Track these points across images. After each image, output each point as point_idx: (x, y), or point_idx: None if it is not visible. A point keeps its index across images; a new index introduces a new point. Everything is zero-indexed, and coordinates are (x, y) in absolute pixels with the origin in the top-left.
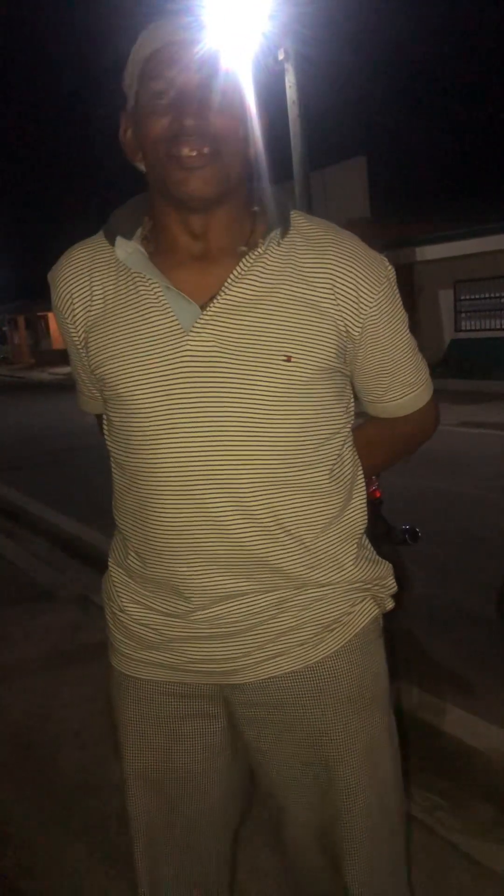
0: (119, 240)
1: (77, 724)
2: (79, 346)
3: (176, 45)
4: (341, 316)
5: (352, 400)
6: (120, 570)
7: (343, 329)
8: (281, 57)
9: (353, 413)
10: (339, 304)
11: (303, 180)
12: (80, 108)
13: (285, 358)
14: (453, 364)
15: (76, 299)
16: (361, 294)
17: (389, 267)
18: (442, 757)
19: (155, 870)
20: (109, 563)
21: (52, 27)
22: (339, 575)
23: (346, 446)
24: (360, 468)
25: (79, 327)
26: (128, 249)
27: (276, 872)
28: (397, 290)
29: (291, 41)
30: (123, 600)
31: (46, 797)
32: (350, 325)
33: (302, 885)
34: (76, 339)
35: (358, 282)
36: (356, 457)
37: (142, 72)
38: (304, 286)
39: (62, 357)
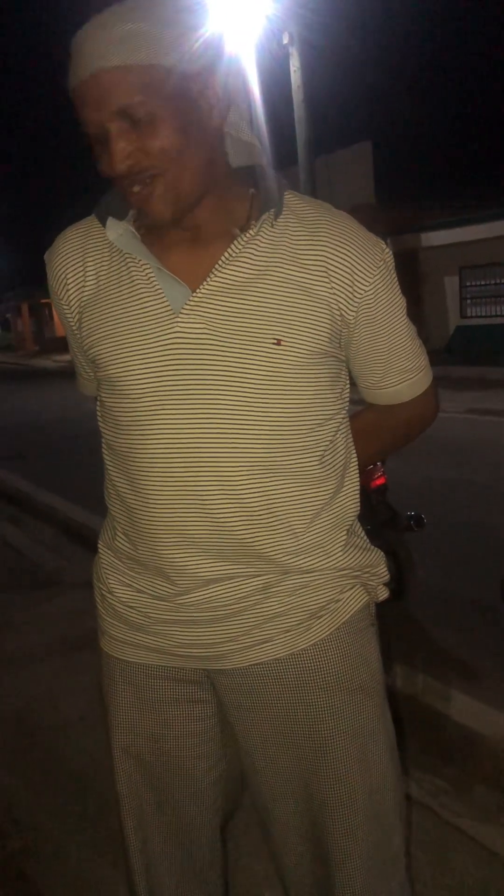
0: (110, 221)
1: (83, 710)
2: (73, 328)
3: (84, 86)
4: (335, 299)
5: (347, 386)
6: (109, 551)
7: (337, 313)
8: (286, 41)
9: (347, 399)
10: (332, 288)
11: (307, 165)
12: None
13: (275, 341)
14: (459, 351)
15: (70, 280)
16: (356, 277)
17: (387, 250)
18: (447, 742)
19: (145, 850)
20: (99, 545)
21: (53, 8)
22: (326, 562)
23: (339, 433)
24: (354, 455)
25: (73, 308)
26: (118, 231)
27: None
28: (395, 274)
29: (296, 25)
30: (111, 582)
31: (52, 782)
32: (344, 308)
33: (286, 875)
34: (71, 320)
35: (353, 264)
36: (350, 443)
37: (74, 103)
38: (297, 269)
39: (66, 344)
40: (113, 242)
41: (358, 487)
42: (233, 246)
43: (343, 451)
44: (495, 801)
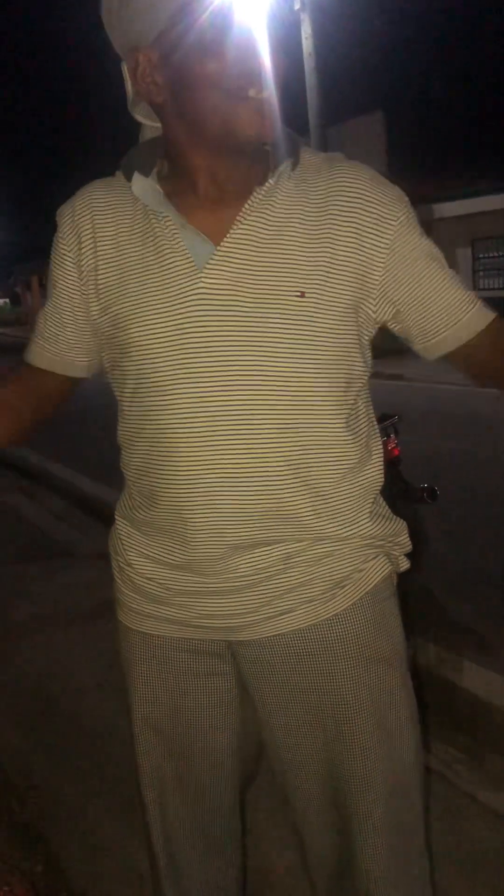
0: (136, 175)
1: (100, 677)
2: (72, 287)
3: (244, 39)
4: (361, 246)
5: (369, 354)
6: (126, 522)
7: (366, 260)
8: (297, 7)
9: (371, 367)
10: (359, 233)
11: (319, 134)
12: (91, 65)
13: (299, 294)
14: None
15: (85, 234)
16: (382, 218)
17: (403, 194)
18: (460, 712)
19: (165, 820)
20: (116, 517)
21: None
22: (353, 529)
23: (360, 400)
24: (376, 426)
25: (83, 265)
26: (144, 186)
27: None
28: (416, 217)
29: None
30: (130, 554)
31: (70, 747)
32: (374, 253)
33: (307, 843)
34: (72, 276)
35: (375, 206)
36: (371, 413)
37: (183, 8)
38: (319, 219)
39: None
40: (135, 200)
41: (383, 459)
42: (252, 198)
43: (365, 420)
44: None
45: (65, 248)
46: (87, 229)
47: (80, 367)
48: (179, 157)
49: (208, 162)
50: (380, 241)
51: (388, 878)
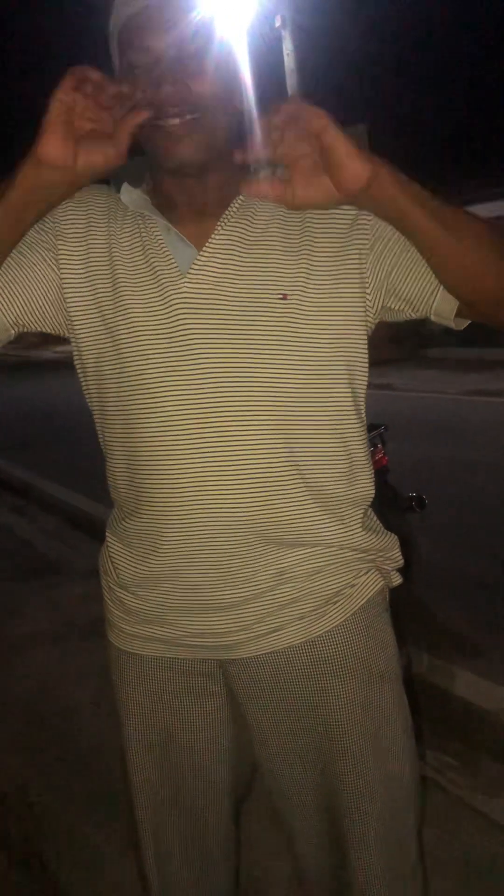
0: (125, 186)
1: (93, 693)
2: (47, 247)
3: (150, 9)
4: (343, 242)
5: (365, 362)
6: (116, 538)
7: (352, 253)
8: (278, 24)
9: (365, 375)
10: (339, 232)
11: None
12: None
13: (281, 296)
14: (454, 332)
15: (80, 225)
16: (361, 212)
17: None
18: (452, 718)
19: (159, 841)
20: (106, 533)
21: None
22: (345, 537)
23: (355, 405)
24: (366, 435)
25: (70, 249)
26: (132, 196)
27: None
28: None
29: (288, 7)
30: (120, 572)
31: (64, 765)
32: (358, 243)
33: (302, 860)
34: (50, 241)
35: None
36: (363, 422)
37: (119, 41)
38: (298, 224)
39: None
40: (125, 207)
41: (372, 470)
42: (231, 206)
43: (357, 427)
44: (501, 774)
45: (61, 224)
46: (81, 222)
47: None
48: (154, 176)
49: (167, 182)
50: (362, 233)
51: (383, 892)
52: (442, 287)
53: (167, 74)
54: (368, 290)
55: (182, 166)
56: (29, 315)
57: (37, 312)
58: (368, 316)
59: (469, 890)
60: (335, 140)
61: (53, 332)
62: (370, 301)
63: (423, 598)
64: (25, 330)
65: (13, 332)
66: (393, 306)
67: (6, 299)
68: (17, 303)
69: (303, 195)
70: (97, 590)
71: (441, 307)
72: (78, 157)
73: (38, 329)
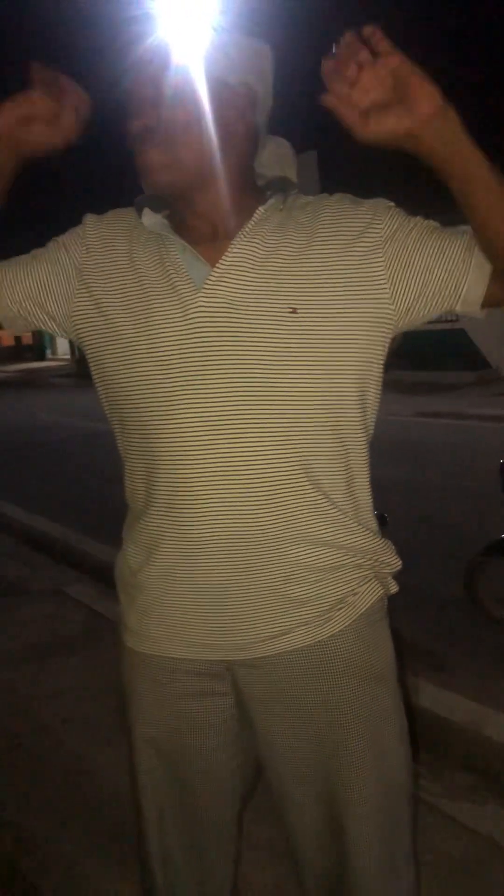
0: (146, 210)
1: (64, 713)
2: (68, 269)
3: (133, 71)
4: (353, 254)
5: (379, 376)
6: (130, 542)
7: (363, 264)
8: None
9: (378, 391)
10: (347, 244)
11: None
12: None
13: (290, 310)
14: (409, 356)
15: (107, 241)
16: (370, 223)
17: (386, 200)
18: (420, 730)
19: (164, 840)
20: (123, 538)
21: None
22: (348, 538)
23: (367, 415)
24: (367, 446)
25: (94, 255)
26: (153, 219)
27: (270, 845)
28: (402, 211)
29: (243, 31)
30: (134, 575)
31: (39, 783)
32: (370, 253)
33: (301, 857)
34: (68, 262)
35: (361, 217)
36: (368, 429)
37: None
38: (307, 240)
39: (13, 354)
40: (146, 228)
41: (369, 475)
42: (244, 227)
43: (361, 434)
44: (468, 782)
45: (79, 240)
46: (107, 237)
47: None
48: (170, 202)
49: (179, 206)
50: (371, 241)
51: (378, 889)
52: (471, 269)
53: (140, 109)
54: (388, 296)
55: (158, 187)
56: (29, 301)
57: (38, 300)
58: (391, 324)
59: (439, 888)
60: (412, 69)
61: (49, 329)
62: (392, 307)
63: (388, 614)
64: (21, 320)
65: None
66: (419, 304)
67: (13, 277)
68: (24, 285)
69: (374, 123)
70: (59, 609)
71: (470, 294)
72: (21, 135)
73: (34, 323)
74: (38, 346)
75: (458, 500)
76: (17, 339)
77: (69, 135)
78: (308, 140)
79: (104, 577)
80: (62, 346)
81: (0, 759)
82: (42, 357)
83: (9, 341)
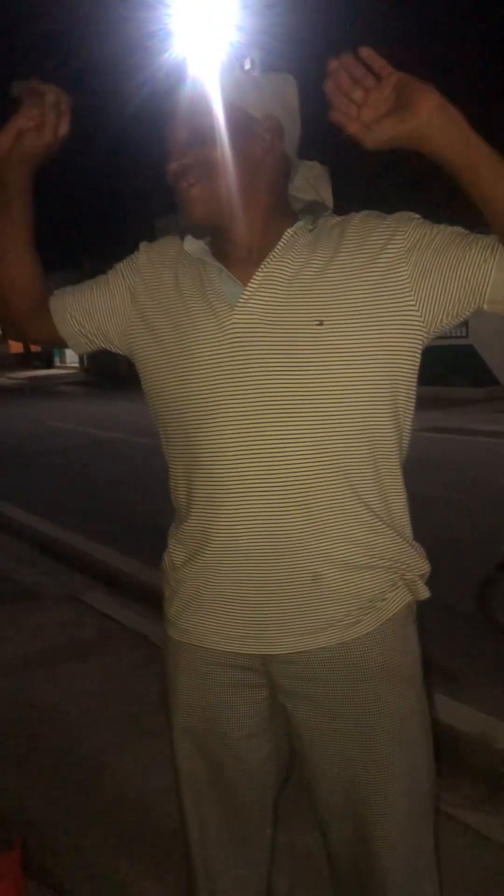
0: (188, 237)
1: (82, 715)
2: (124, 293)
3: (168, 118)
4: (378, 266)
5: (412, 391)
6: (175, 541)
7: (389, 274)
8: (248, 66)
9: (411, 404)
10: (373, 257)
11: None
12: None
13: (318, 322)
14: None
15: (156, 265)
16: (394, 234)
17: (410, 213)
18: (435, 741)
19: (202, 824)
20: (168, 538)
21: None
22: (392, 543)
23: (401, 422)
24: (399, 453)
25: (142, 286)
26: (194, 245)
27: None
28: (426, 222)
29: (258, 50)
30: (179, 571)
31: (60, 783)
32: (395, 262)
33: (329, 849)
34: (126, 285)
35: (384, 229)
36: (402, 435)
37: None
38: (332, 256)
39: (20, 361)
40: (188, 254)
41: (402, 480)
42: (276, 248)
43: (395, 442)
44: (482, 792)
45: (133, 265)
46: (158, 263)
47: (65, 320)
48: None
49: (215, 233)
50: (395, 251)
51: (403, 885)
52: (494, 268)
53: (172, 153)
54: (414, 303)
55: (196, 223)
56: (91, 324)
57: (98, 322)
58: (419, 331)
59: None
60: (408, 79)
61: (108, 347)
62: (418, 314)
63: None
64: (86, 339)
65: (75, 328)
66: (446, 307)
67: (77, 303)
68: (85, 309)
69: (381, 131)
70: (75, 615)
71: (495, 292)
72: (19, 151)
73: (95, 342)
74: (46, 353)
75: (467, 515)
76: (26, 346)
77: (61, 131)
78: (317, 151)
79: (118, 583)
80: (70, 355)
81: (22, 762)
82: (50, 365)
83: (17, 348)
